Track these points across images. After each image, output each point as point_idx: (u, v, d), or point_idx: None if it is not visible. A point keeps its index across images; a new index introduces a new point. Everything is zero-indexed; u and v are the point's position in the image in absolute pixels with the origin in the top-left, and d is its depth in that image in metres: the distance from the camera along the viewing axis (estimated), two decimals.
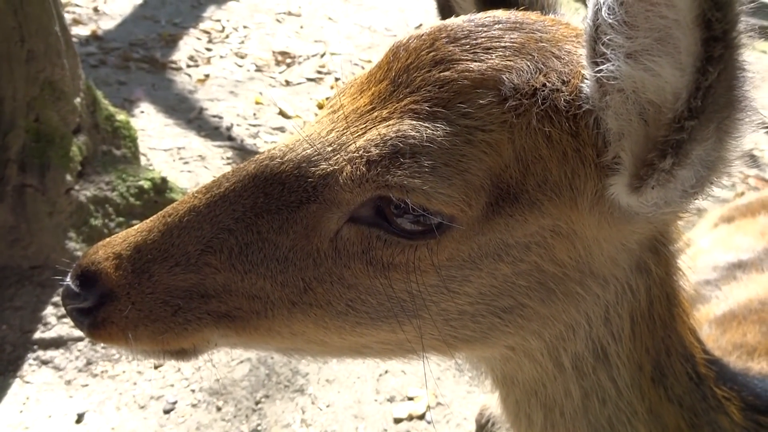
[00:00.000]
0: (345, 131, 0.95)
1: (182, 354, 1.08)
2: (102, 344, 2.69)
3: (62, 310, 2.98)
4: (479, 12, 1.04)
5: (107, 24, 5.97)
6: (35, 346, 2.91)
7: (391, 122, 0.90)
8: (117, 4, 6.36)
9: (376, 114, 0.93)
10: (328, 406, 2.86)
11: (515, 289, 0.97)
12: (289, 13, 6.88)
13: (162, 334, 1.01)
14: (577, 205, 0.92)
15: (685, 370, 1.13)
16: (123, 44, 5.63)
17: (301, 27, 6.61)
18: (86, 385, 2.83)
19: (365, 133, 0.92)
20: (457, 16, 1.04)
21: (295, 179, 0.96)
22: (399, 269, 0.94)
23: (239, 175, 1.00)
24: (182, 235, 1.00)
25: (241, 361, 3.00)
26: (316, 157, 0.95)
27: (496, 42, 0.93)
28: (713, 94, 0.72)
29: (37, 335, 2.93)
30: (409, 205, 0.88)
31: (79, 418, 2.69)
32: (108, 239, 1.07)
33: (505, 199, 0.90)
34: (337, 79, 5.61)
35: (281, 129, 4.87)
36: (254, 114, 5.03)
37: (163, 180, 3.50)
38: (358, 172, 0.90)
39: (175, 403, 2.80)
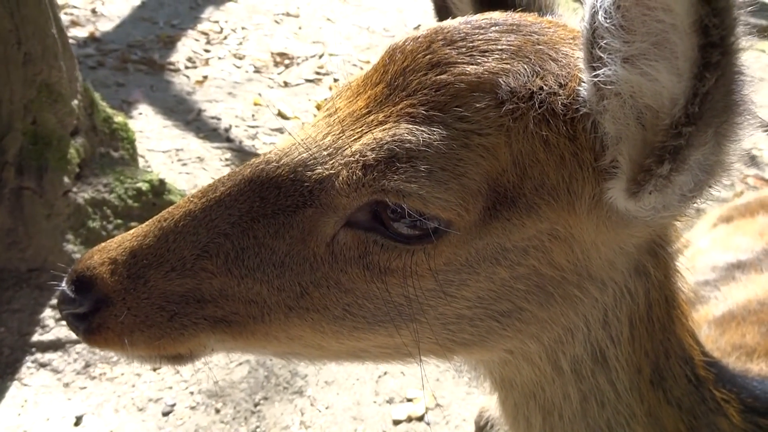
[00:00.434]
0: (341, 135, 0.94)
1: (179, 359, 1.07)
2: (98, 349, 2.69)
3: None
4: (476, 13, 1.03)
5: (105, 26, 5.97)
6: (33, 349, 2.90)
7: (387, 126, 0.90)
8: (115, 5, 6.35)
9: (372, 117, 0.93)
10: (327, 408, 2.86)
11: (513, 292, 0.97)
12: (288, 14, 6.87)
13: (158, 340, 1.00)
14: (574, 208, 0.91)
15: (684, 373, 1.13)
16: (121, 46, 5.62)
17: (300, 28, 6.60)
18: (84, 388, 2.83)
19: (361, 137, 0.92)
20: (454, 17, 1.03)
21: (291, 183, 0.95)
22: (396, 274, 0.93)
23: (235, 180, 0.99)
24: (178, 240, 0.99)
25: (240, 363, 2.99)
26: (312, 162, 0.95)
27: (493, 45, 0.92)
28: (711, 100, 0.71)
29: (35, 338, 2.93)
30: (406, 210, 0.88)
31: (78, 421, 2.69)
32: (103, 244, 1.07)
33: (502, 203, 0.90)
34: (335, 80, 5.60)
35: (280, 130, 4.86)
36: (253, 115, 5.02)
37: (162, 182, 3.49)
38: (354, 177, 0.89)
39: (173, 405, 2.79)
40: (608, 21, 0.75)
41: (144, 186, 3.40)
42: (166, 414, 2.76)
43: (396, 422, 2.82)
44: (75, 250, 3.12)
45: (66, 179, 3.11)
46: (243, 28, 6.38)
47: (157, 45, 5.77)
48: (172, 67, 5.48)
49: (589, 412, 1.10)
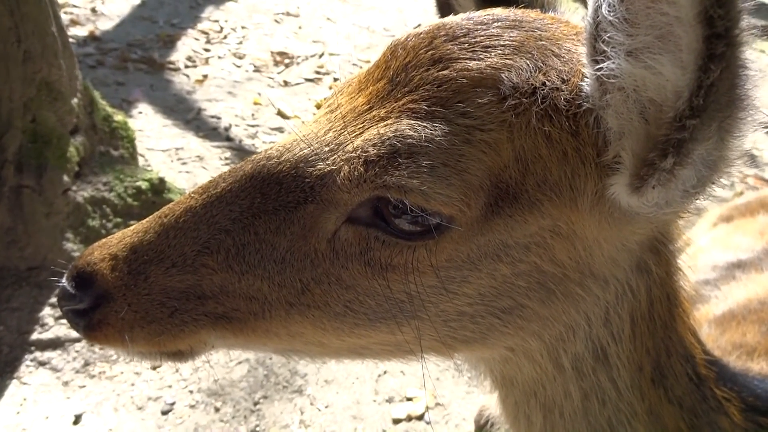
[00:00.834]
0: (342, 131, 0.94)
1: (179, 355, 1.07)
2: (98, 346, 2.68)
3: (59, 311, 2.96)
4: (478, 10, 1.03)
5: (105, 24, 5.96)
6: (32, 348, 2.90)
7: (389, 122, 0.90)
8: (115, 4, 6.35)
9: (374, 113, 0.92)
10: (326, 407, 2.85)
11: (515, 289, 0.97)
12: (288, 14, 6.87)
13: (158, 336, 1.00)
14: (577, 205, 0.91)
15: (685, 371, 1.13)
16: (121, 45, 5.62)
17: (300, 27, 6.60)
18: (84, 387, 2.82)
19: (363, 132, 0.91)
20: (455, 14, 1.03)
21: (292, 179, 0.95)
22: (397, 270, 0.93)
23: (236, 176, 0.99)
24: (179, 236, 0.99)
25: (240, 362, 2.99)
26: (313, 157, 0.94)
27: (495, 40, 0.92)
28: (715, 93, 0.71)
29: (35, 336, 2.92)
30: (408, 206, 0.88)
31: (77, 420, 2.68)
32: (104, 240, 1.07)
33: (504, 199, 0.89)
34: (335, 80, 5.60)
35: (279, 129, 4.86)
36: (252, 114, 5.02)
37: (161, 180, 3.49)
38: (355, 173, 0.89)
39: (173, 404, 2.79)
40: (612, 14, 0.75)
41: (144, 185, 3.40)
42: (165, 413, 2.75)
43: (396, 421, 2.81)
44: (74, 249, 3.11)
45: (65, 178, 3.10)
46: (243, 28, 6.38)
47: (157, 44, 5.76)
48: (171, 66, 5.47)
49: (590, 410, 1.09)
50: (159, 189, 3.46)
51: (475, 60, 0.90)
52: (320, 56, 6.02)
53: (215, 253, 0.97)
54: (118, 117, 3.63)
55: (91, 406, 2.75)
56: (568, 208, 0.91)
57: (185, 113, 4.87)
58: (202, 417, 2.75)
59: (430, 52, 0.92)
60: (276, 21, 6.67)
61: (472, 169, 0.87)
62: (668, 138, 0.76)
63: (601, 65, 0.79)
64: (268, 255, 0.97)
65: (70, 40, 3.35)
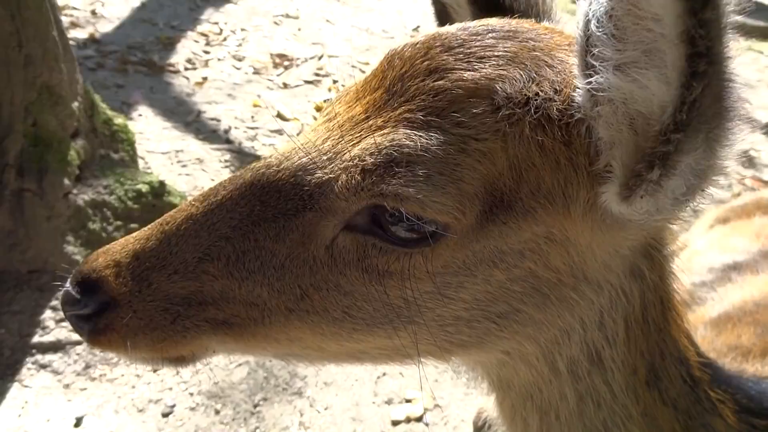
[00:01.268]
0: (340, 140, 0.95)
1: (180, 361, 1.08)
2: (101, 350, 2.70)
3: (61, 314, 2.98)
4: (474, 19, 1.05)
5: (105, 27, 5.97)
6: (34, 350, 2.91)
7: (385, 131, 0.91)
8: (115, 7, 6.36)
9: (371, 123, 0.94)
10: (326, 409, 2.87)
11: (510, 294, 0.98)
12: (287, 16, 6.88)
13: (161, 342, 1.01)
14: (570, 212, 0.92)
15: (679, 374, 1.14)
16: (121, 47, 5.63)
17: (299, 29, 6.61)
18: (85, 389, 2.84)
19: (360, 142, 0.93)
20: (453, 22, 1.05)
21: (291, 187, 0.96)
22: (394, 276, 0.95)
23: (236, 184, 1.01)
24: (180, 243, 1.00)
25: (240, 365, 3.00)
26: (311, 166, 0.96)
27: (490, 51, 0.94)
28: (698, 108, 0.73)
29: (36, 339, 2.94)
30: (404, 214, 0.89)
31: (78, 422, 2.70)
32: (107, 246, 1.08)
33: (498, 206, 0.91)
34: (335, 82, 5.62)
35: (279, 132, 4.87)
36: (252, 117, 5.03)
37: (161, 183, 3.50)
38: (353, 181, 0.91)
39: (173, 406, 2.80)
40: (600, 30, 0.77)
41: (144, 188, 3.41)
42: (165, 415, 2.77)
43: (395, 423, 2.83)
44: (75, 252, 3.13)
45: (66, 181, 3.12)
46: (242, 30, 6.39)
47: (157, 46, 5.78)
48: (171, 68, 5.49)
49: (585, 412, 1.11)
50: (159, 192, 3.47)
51: (470, 71, 0.91)
52: (319, 58, 6.04)
53: (216, 260, 0.99)
54: (119, 120, 3.64)
55: (92, 408, 2.76)
56: (562, 215, 0.92)
57: (185, 116, 4.89)
58: (203, 419, 2.76)
59: (426, 63, 0.94)
60: (275, 23, 6.68)
61: (467, 177, 0.89)
62: (654, 150, 0.78)
63: (591, 79, 0.80)
64: (267, 262, 0.98)
65: (70, 42, 3.37)
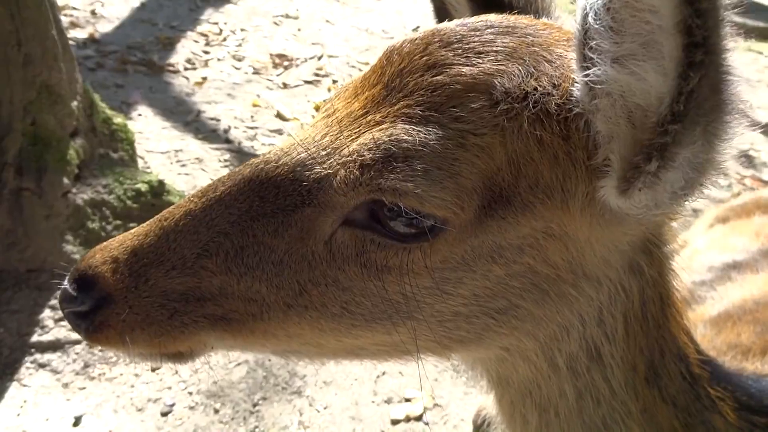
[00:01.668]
0: (339, 135, 0.95)
1: (179, 357, 1.08)
2: (99, 347, 2.69)
3: (59, 313, 2.98)
4: (473, 15, 1.05)
5: (105, 27, 5.98)
6: (32, 350, 2.91)
7: (384, 126, 0.91)
8: (114, 7, 6.36)
9: (369, 118, 0.94)
10: (325, 408, 2.86)
11: (509, 290, 0.98)
12: (287, 16, 6.89)
13: (159, 338, 1.01)
14: (568, 207, 0.92)
15: (678, 371, 1.14)
16: (120, 47, 5.63)
17: (299, 30, 6.61)
18: (84, 388, 2.83)
19: (359, 137, 0.93)
20: (452, 18, 1.05)
21: (289, 183, 0.96)
22: (393, 272, 0.95)
23: (235, 179, 1.01)
24: (178, 239, 1.00)
25: (239, 364, 3.00)
26: (310, 161, 0.96)
27: (488, 46, 0.94)
28: (696, 98, 0.73)
29: (35, 338, 2.93)
30: (402, 209, 0.89)
31: (77, 421, 2.69)
32: (105, 243, 1.08)
33: (497, 201, 0.91)
34: (334, 82, 5.62)
35: (278, 131, 4.87)
36: (252, 116, 5.03)
37: (161, 183, 3.50)
38: (351, 176, 0.91)
39: (172, 405, 2.80)
40: (598, 23, 0.77)
41: (143, 187, 3.41)
42: (165, 414, 2.76)
43: (394, 422, 2.82)
44: (74, 251, 3.12)
45: (65, 180, 3.12)
46: (242, 30, 6.40)
47: (157, 46, 5.78)
48: (171, 68, 5.49)
49: (584, 409, 1.11)
50: (158, 191, 3.47)
51: (468, 66, 0.91)
52: (319, 58, 6.04)
53: (214, 256, 0.99)
54: (118, 119, 3.64)
55: (91, 407, 2.76)
56: (560, 210, 0.92)
57: (184, 115, 4.89)
58: (202, 418, 2.76)
59: (424, 58, 0.94)
60: (275, 23, 6.69)
61: (465, 172, 0.89)
62: (652, 142, 0.78)
63: (589, 71, 0.80)
64: (266, 257, 0.98)
65: (70, 42, 3.37)
